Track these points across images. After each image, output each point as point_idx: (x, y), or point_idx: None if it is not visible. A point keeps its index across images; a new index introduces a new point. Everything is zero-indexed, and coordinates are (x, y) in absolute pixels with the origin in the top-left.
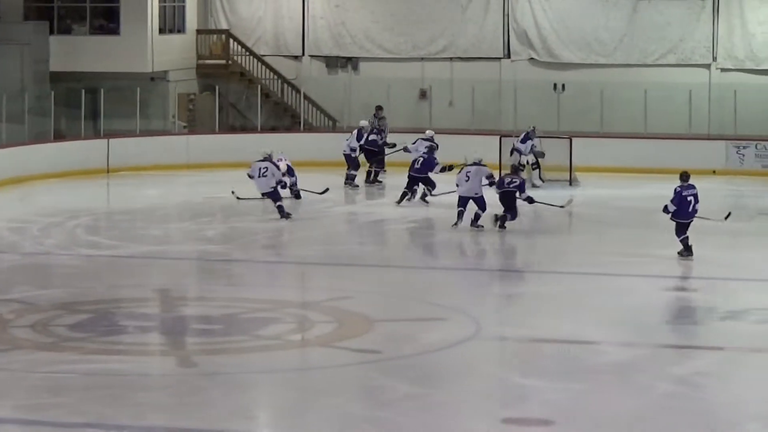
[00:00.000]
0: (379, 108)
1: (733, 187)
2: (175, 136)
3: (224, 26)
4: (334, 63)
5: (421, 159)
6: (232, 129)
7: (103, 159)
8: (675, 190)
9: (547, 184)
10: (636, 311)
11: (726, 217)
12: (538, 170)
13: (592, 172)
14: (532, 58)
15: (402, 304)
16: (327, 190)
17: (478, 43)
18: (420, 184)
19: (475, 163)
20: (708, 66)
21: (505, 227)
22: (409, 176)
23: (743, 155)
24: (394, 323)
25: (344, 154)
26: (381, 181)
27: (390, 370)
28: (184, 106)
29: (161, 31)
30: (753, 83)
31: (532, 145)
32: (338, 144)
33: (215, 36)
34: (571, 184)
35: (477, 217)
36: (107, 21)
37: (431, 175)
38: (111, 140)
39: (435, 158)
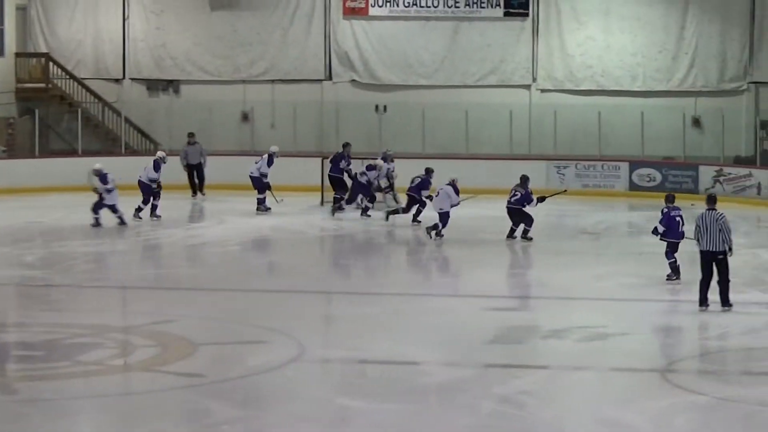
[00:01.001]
0: (190, 135)
1: (554, 207)
2: None
3: (44, 49)
4: (155, 86)
5: (419, 180)
6: (53, 153)
7: None
8: (662, 211)
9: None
10: (459, 331)
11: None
12: (391, 192)
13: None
14: (353, 80)
15: (225, 327)
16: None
17: (300, 66)
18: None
19: (448, 184)
20: (528, 87)
21: (530, 238)
22: (408, 196)
23: (563, 175)
24: (218, 346)
25: (252, 177)
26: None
27: (214, 394)
28: (3, 131)
29: None
30: (572, 104)
31: (388, 168)
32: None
33: (35, 59)
34: (396, 203)
35: (435, 226)
36: None
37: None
38: None
39: (430, 182)
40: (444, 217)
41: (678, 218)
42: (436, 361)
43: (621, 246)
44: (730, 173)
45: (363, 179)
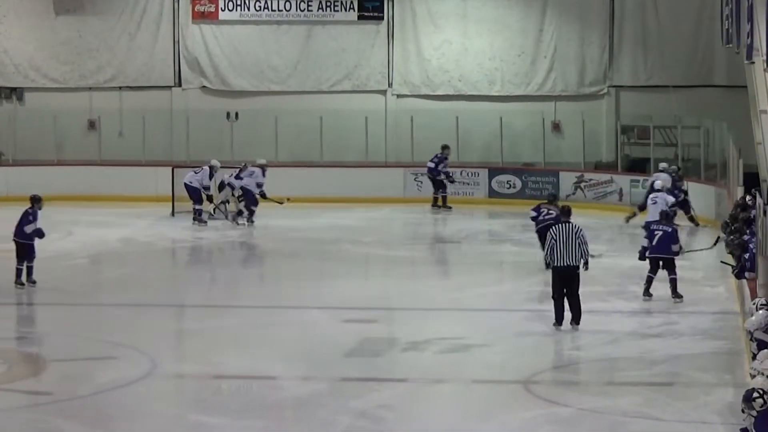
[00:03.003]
0: None
1: (411, 216)
2: None
3: None
4: None
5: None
6: None
7: None
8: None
9: (224, 217)
10: (316, 344)
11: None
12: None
13: (268, 202)
14: (204, 86)
15: (74, 343)
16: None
17: (148, 72)
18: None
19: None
20: (384, 92)
21: None
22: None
23: (421, 182)
24: (67, 363)
25: (189, 186)
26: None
27: (64, 412)
28: None
29: None
30: (429, 109)
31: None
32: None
33: None
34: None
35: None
36: None
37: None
38: None
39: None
40: None
41: (657, 232)
42: (292, 375)
43: (481, 255)
44: (591, 179)
45: None
